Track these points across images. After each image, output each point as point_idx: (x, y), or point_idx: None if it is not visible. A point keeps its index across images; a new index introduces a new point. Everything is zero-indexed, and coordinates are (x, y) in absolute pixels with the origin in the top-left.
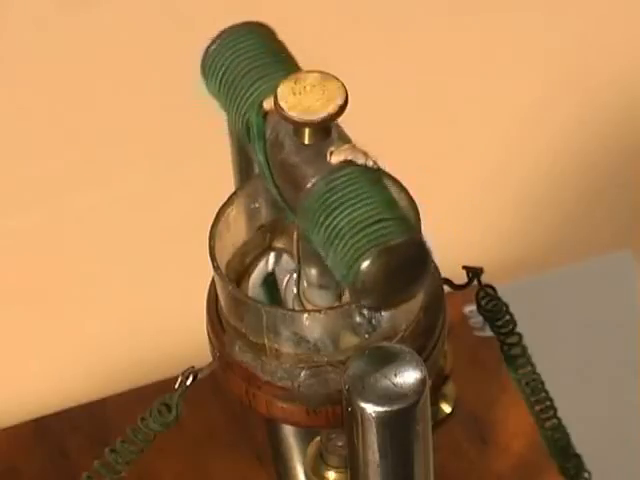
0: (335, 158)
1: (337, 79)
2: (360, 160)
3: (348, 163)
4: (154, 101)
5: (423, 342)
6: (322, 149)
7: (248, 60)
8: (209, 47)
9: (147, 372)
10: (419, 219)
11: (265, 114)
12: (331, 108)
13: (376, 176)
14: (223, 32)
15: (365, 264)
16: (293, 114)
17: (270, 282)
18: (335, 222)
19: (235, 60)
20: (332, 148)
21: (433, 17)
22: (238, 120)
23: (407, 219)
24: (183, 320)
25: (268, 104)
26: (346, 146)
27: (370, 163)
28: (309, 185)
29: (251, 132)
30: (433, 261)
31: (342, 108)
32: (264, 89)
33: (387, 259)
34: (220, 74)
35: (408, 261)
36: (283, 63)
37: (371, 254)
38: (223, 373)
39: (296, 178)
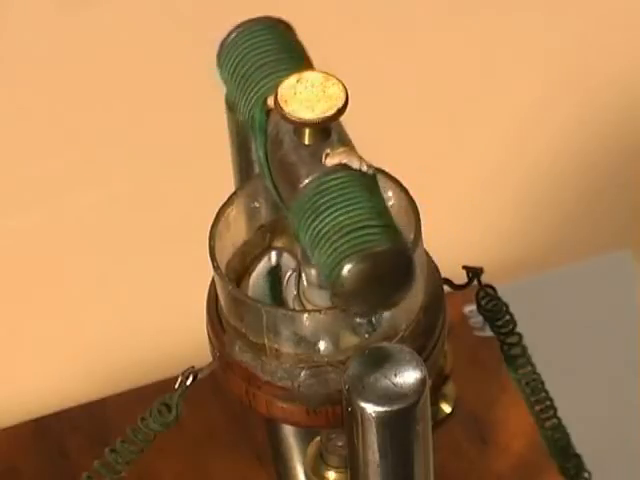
0: (330, 160)
1: (338, 80)
2: (355, 164)
3: (342, 166)
4: (154, 101)
5: (423, 342)
6: (319, 150)
7: (262, 54)
8: (226, 38)
9: (147, 372)
10: (419, 219)
11: (268, 111)
12: (331, 109)
13: (368, 182)
14: (241, 24)
15: (345, 269)
16: (292, 114)
17: (270, 282)
18: (321, 225)
19: (249, 53)
20: (328, 150)
21: (433, 17)
22: (245, 113)
23: (393, 227)
24: (183, 320)
25: (272, 101)
26: (342, 149)
27: (364, 168)
28: (301, 185)
29: (253, 127)
30: (433, 262)
31: (341, 110)
32: (272, 85)
33: (368, 266)
34: (233, 65)
35: (390, 269)
36: (296, 61)
37: (352, 259)
38: (223, 373)
39: (292, 177)
